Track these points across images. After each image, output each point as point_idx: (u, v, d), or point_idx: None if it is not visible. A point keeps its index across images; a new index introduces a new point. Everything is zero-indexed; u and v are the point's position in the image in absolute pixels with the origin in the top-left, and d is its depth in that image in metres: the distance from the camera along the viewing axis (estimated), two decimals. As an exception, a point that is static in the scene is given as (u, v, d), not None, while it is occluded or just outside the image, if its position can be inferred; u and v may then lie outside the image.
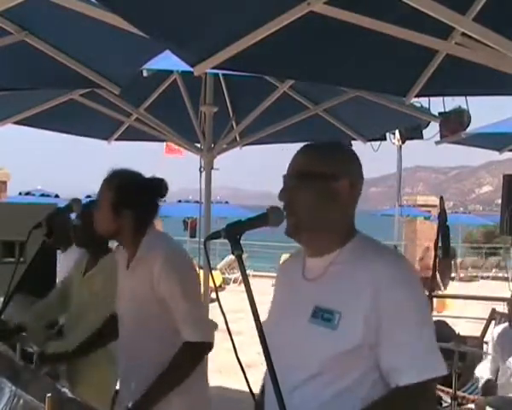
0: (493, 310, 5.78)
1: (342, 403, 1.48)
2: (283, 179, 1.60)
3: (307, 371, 1.50)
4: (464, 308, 11.95)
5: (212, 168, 4.48)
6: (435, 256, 3.79)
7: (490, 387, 4.02)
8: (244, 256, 1.46)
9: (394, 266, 1.52)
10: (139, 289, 2.33)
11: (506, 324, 4.33)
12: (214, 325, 2.35)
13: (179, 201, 19.18)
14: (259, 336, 1.34)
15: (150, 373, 2.25)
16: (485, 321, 5.79)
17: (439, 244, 4.20)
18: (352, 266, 1.53)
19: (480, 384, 4.12)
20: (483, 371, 4.18)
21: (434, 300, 11.93)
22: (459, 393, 3.84)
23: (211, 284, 4.56)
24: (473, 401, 3.83)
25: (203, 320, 2.37)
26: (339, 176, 1.55)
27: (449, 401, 3.82)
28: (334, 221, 1.57)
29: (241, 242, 1.42)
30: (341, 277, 1.53)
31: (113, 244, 2.93)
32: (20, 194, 14.51)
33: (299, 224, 1.55)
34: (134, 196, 2.36)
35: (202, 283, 4.43)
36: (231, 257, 15.35)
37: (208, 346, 2.32)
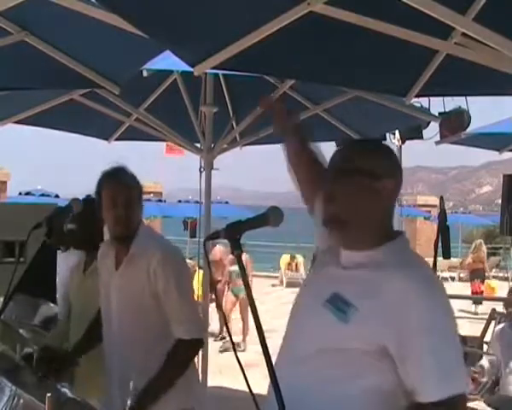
0: (493, 310, 5.78)
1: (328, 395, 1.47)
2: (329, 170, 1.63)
3: (304, 352, 1.51)
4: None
5: (212, 168, 4.47)
6: (435, 256, 3.81)
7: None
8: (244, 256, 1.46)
9: (422, 281, 1.47)
10: (134, 285, 2.37)
11: (506, 323, 4.34)
12: (205, 324, 2.45)
13: (179, 201, 19.16)
14: (259, 336, 1.33)
15: (145, 368, 2.29)
16: (485, 321, 5.79)
17: (440, 244, 4.20)
18: (383, 272, 1.50)
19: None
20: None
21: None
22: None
23: (211, 284, 4.55)
24: (473, 401, 3.83)
25: (195, 318, 2.44)
26: (382, 176, 1.55)
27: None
28: (373, 220, 1.57)
29: (241, 242, 1.42)
30: (370, 277, 1.50)
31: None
32: (20, 194, 14.48)
33: (338, 215, 1.55)
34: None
35: (202, 283, 4.44)
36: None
37: (200, 342, 2.41)
